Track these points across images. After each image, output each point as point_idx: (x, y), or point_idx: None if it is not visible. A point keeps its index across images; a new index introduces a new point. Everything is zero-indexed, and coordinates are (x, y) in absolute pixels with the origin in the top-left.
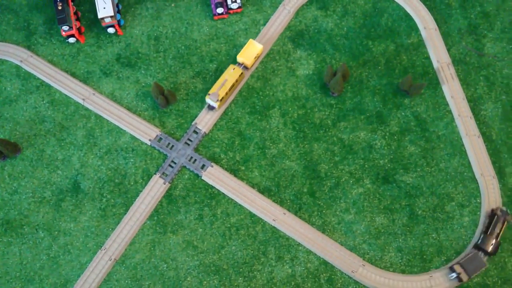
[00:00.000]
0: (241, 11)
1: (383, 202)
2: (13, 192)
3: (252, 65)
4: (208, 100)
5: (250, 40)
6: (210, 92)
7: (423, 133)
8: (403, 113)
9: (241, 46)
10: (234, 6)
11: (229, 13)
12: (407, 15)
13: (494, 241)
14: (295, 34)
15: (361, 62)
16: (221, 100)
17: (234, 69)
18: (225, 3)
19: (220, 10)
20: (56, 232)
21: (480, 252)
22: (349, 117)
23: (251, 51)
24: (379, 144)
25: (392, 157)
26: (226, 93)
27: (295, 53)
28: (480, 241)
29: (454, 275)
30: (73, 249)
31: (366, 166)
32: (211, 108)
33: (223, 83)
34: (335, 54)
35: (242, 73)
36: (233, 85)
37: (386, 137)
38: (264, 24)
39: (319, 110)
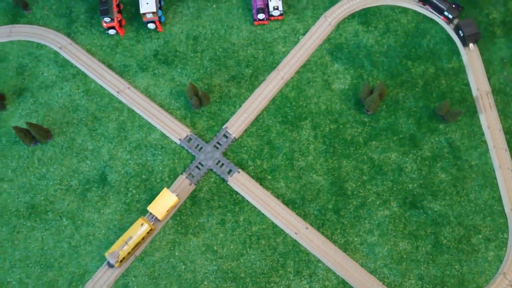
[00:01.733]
0: (282, 18)
1: (408, 227)
2: (41, 177)
3: (164, 218)
4: (108, 257)
5: (165, 189)
6: (110, 250)
7: (455, 161)
8: (437, 139)
9: (279, 54)
10: (275, 13)
11: (270, 19)
12: (450, 39)
13: None
14: (334, 47)
15: (399, 82)
16: (121, 260)
17: (142, 224)
18: (266, 10)
19: (261, 16)
20: (80, 222)
21: None
22: (381, 137)
23: (164, 202)
24: (409, 167)
25: (421, 182)
26: (129, 253)
27: (333, 66)
28: None
29: None
30: (95, 240)
31: (394, 188)
32: (110, 265)
33: (126, 241)
34: (372, 71)
35: (151, 230)
36: (138, 243)
37: (418, 161)
38: (304, 34)
39: (351, 126)
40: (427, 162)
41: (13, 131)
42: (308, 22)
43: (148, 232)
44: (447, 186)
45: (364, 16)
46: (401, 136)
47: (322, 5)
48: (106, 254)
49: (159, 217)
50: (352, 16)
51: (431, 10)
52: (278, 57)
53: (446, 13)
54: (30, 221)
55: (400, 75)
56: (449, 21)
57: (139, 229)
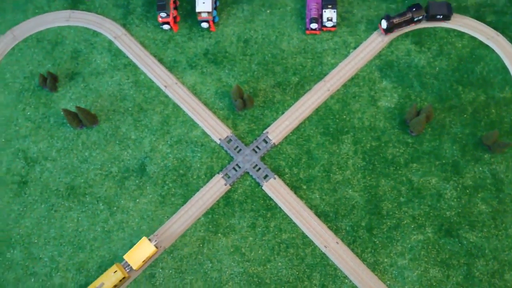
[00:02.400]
0: (334, 30)
1: (441, 255)
2: (83, 161)
3: (139, 268)
4: None
5: (144, 238)
6: None
7: (497, 194)
8: (480, 168)
9: (327, 65)
10: (328, 24)
11: (322, 30)
12: (504, 68)
13: None
14: (384, 64)
15: (447, 106)
16: None
17: (115, 272)
18: (320, 20)
19: (314, 25)
20: (115, 208)
21: None
22: (423, 160)
23: (142, 252)
24: (449, 194)
25: (460, 210)
26: None
27: (381, 83)
28: None
29: None
30: (128, 228)
31: (431, 214)
32: None
33: (98, 287)
34: (421, 93)
35: (123, 278)
36: None
37: (458, 189)
38: (355, 48)
39: (393, 146)
40: (468, 191)
41: (62, 113)
42: (360, 36)
43: (121, 280)
44: (486, 218)
45: (418, 36)
46: (444, 161)
47: (377, 20)
48: None
49: (134, 267)
50: (406, 35)
51: (401, 27)
52: (326, 68)
53: (416, 19)
54: (68, 202)
55: (449, 99)
56: (420, 22)
57: (111, 276)
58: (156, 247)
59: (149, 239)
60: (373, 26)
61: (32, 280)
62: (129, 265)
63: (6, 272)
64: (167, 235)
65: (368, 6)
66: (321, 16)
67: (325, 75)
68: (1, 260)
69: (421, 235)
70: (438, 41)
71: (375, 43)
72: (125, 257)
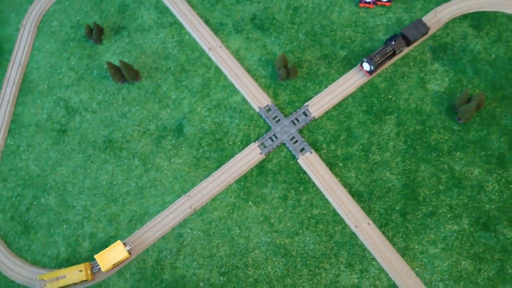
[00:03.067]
0: (389, 5)
1: (474, 248)
2: (122, 115)
3: (108, 271)
4: (36, 281)
5: (118, 242)
6: (43, 276)
7: None
8: None
9: (378, 41)
10: None
11: (376, 4)
12: None
13: None
14: (437, 45)
15: (499, 96)
16: None
17: (80, 271)
18: None
19: None
20: (150, 165)
21: None
22: (467, 149)
23: (114, 256)
24: (491, 187)
25: (500, 205)
26: None
27: (432, 65)
28: None
29: None
30: (160, 186)
31: (469, 205)
32: None
33: (59, 277)
34: (473, 79)
35: (86, 280)
36: (68, 285)
37: (501, 183)
38: None
39: (438, 131)
40: (511, 185)
41: (106, 66)
42: (415, 14)
43: (82, 281)
44: None
45: (478, 19)
46: (489, 153)
47: None
48: (38, 277)
49: (103, 269)
50: (465, 17)
51: (385, 63)
52: (376, 44)
53: (397, 51)
54: (104, 154)
55: (502, 89)
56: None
57: (75, 274)
58: (129, 253)
59: (124, 243)
60: (430, 5)
61: (64, 226)
62: (98, 265)
63: (40, 217)
64: (199, 197)
65: None
66: None
67: (374, 51)
68: (35, 204)
69: (456, 225)
70: (498, 27)
71: (431, 22)
72: (96, 257)
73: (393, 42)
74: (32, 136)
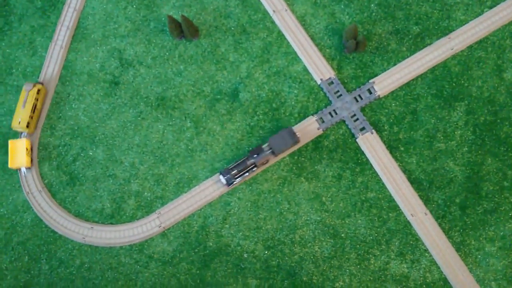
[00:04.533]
0: None
1: None
2: (177, 73)
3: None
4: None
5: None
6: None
7: None
8: None
9: (456, 21)
10: None
11: None
12: None
13: None
14: None
15: None
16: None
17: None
18: None
19: None
20: (202, 128)
21: None
22: None
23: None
24: None
25: None
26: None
27: (511, 53)
28: None
29: None
30: (211, 151)
31: None
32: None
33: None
34: None
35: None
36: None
37: None
38: (491, 8)
39: (510, 125)
40: None
41: (164, 20)
42: None
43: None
44: None
45: None
46: None
47: None
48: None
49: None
50: None
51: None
52: (454, 24)
53: (259, 166)
54: (156, 112)
55: None
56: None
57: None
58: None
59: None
60: None
61: (111, 181)
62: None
63: (86, 169)
64: None
65: None
66: None
67: (450, 31)
68: (83, 155)
69: None
70: None
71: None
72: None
73: (255, 155)
74: (83, 85)
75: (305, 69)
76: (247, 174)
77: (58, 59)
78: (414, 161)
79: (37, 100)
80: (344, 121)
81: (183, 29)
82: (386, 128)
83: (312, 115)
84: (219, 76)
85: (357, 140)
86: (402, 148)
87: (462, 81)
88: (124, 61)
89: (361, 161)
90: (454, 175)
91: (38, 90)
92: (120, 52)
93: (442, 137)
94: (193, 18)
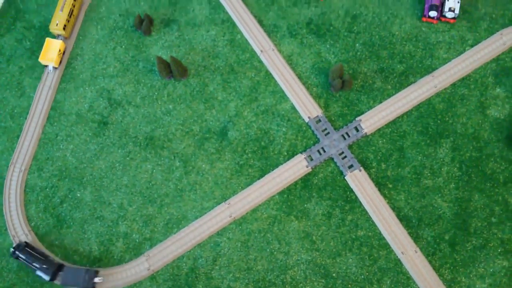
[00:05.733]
0: (453, 22)
1: None
2: (166, 113)
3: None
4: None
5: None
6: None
7: None
8: None
9: (438, 59)
10: (449, 15)
11: (440, 20)
12: None
13: None
14: (501, 69)
15: None
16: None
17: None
18: (440, 8)
19: (433, 13)
20: (191, 167)
21: None
22: None
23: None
24: None
25: None
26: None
27: (494, 89)
28: None
29: None
30: (200, 190)
31: None
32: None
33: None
34: None
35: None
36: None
37: None
38: (472, 46)
39: (495, 161)
40: None
41: (153, 60)
42: (480, 34)
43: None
44: None
45: None
46: None
47: (502, 21)
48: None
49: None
50: None
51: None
52: (437, 62)
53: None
54: (145, 152)
55: None
56: None
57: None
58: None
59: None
60: (496, 26)
61: (98, 223)
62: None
63: (74, 211)
64: (239, 206)
65: (495, 2)
66: (442, 4)
67: (434, 69)
68: (70, 197)
69: (506, 261)
70: None
71: (495, 45)
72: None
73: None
74: (71, 126)
75: (293, 108)
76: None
77: (46, 100)
78: (403, 198)
79: (74, 6)
80: (332, 159)
81: (172, 69)
82: (374, 165)
83: (301, 153)
84: (208, 115)
85: (345, 177)
86: (390, 185)
87: (447, 118)
88: (113, 101)
89: (350, 199)
90: (442, 211)
91: None
92: (109, 92)
93: (429, 174)
94: (182, 58)
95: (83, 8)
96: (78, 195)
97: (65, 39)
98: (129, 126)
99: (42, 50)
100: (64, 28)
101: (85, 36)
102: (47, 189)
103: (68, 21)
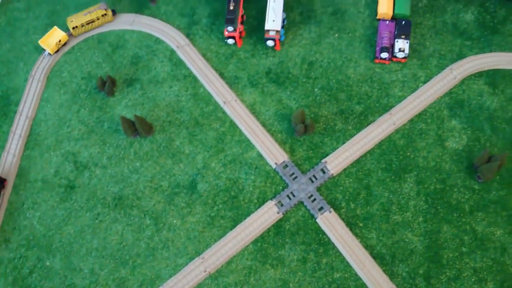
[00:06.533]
0: (404, 61)
1: None
2: (134, 171)
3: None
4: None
5: (54, 27)
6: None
7: None
8: None
9: (394, 97)
10: (400, 55)
11: (392, 60)
12: None
13: None
14: (454, 102)
15: None
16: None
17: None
18: (391, 50)
19: (384, 55)
20: (162, 224)
21: None
22: (489, 209)
23: (54, 38)
24: None
25: None
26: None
27: (450, 122)
28: None
29: None
30: (173, 247)
31: (493, 268)
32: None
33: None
34: (491, 137)
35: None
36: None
37: None
38: (425, 82)
39: (458, 191)
40: None
41: (118, 119)
42: (431, 71)
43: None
44: None
45: (492, 77)
46: (510, 213)
47: (450, 56)
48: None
49: (51, 52)
50: (480, 74)
51: None
52: (393, 100)
53: None
54: (114, 212)
55: None
56: None
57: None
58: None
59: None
60: (445, 62)
61: None
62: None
63: (44, 281)
64: (214, 260)
65: (442, 40)
66: (392, 46)
67: (391, 107)
68: (40, 267)
69: None
70: None
71: (446, 79)
72: (40, 42)
73: None
74: (38, 193)
75: (259, 155)
76: None
77: (11, 168)
78: (374, 236)
79: (97, 19)
80: (302, 203)
81: (137, 127)
82: (343, 205)
83: (271, 199)
84: (176, 170)
85: (317, 220)
86: (361, 224)
87: (408, 153)
88: (79, 164)
89: (323, 241)
90: (414, 246)
91: (104, 15)
92: (74, 155)
93: (397, 210)
94: (147, 115)
95: (45, 72)
96: (48, 263)
97: (71, 35)
98: (96, 188)
99: (46, 34)
100: (74, 28)
101: (48, 101)
102: (15, 260)
103: (83, 25)
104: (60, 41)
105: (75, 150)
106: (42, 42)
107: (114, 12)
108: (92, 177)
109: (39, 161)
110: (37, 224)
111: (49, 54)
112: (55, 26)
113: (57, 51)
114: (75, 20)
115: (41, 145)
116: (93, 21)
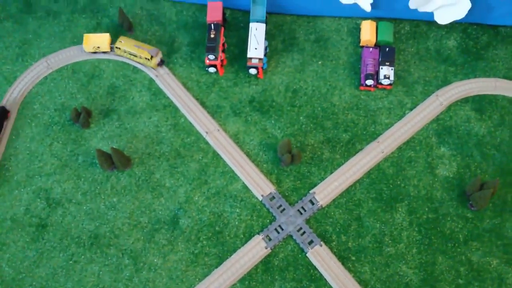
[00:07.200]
0: (390, 88)
1: None
2: (111, 207)
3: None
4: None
5: (107, 34)
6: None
7: None
8: None
9: (381, 125)
10: (385, 82)
11: (377, 87)
12: None
13: None
14: (442, 129)
15: (509, 181)
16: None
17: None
18: (376, 76)
19: (369, 82)
20: (142, 264)
21: None
22: (483, 238)
23: (98, 41)
24: (511, 279)
25: None
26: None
27: (438, 149)
28: None
29: None
30: None
31: None
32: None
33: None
34: (482, 164)
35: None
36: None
37: None
38: (411, 109)
39: (452, 220)
40: None
41: (93, 152)
42: (417, 98)
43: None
44: None
45: (479, 102)
46: (506, 242)
47: (435, 82)
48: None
49: (86, 49)
50: (466, 100)
51: None
52: (380, 128)
53: None
54: (90, 252)
55: (511, 174)
56: None
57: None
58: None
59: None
60: (430, 88)
61: None
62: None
63: None
64: None
65: (426, 66)
66: (377, 72)
67: (378, 135)
68: None
69: None
70: (500, 110)
71: (433, 106)
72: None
73: None
74: (6, 233)
75: (244, 187)
76: None
77: None
78: (368, 270)
79: (140, 58)
80: (291, 236)
81: (114, 161)
82: (334, 238)
83: (258, 233)
84: (156, 204)
85: (307, 254)
86: (353, 258)
87: (398, 182)
88: (52, 201)
89: (315, 277)
90: (409, 279)
91: (147, 59)
92: (46, 191)
93: (390, 241)
94: (124, 148)
95: (16, 104)
96: None
97: (112, 50)
98: (70, 226)
99: (96, 34)
100: (117, 48)
101: (19, 135)
102: None
103: (125, 52)
104: (99, 47)
105: (47, 186)
106: (86, 37)
107: (161, 63)
108: (66, 215)
109: (8, 199)
110: (6, 266)
111: (104, 53)
112: (108, 33)
113: (94, 52)
114: (124, 43)
115: (11, 181)
116: (135, 56)
